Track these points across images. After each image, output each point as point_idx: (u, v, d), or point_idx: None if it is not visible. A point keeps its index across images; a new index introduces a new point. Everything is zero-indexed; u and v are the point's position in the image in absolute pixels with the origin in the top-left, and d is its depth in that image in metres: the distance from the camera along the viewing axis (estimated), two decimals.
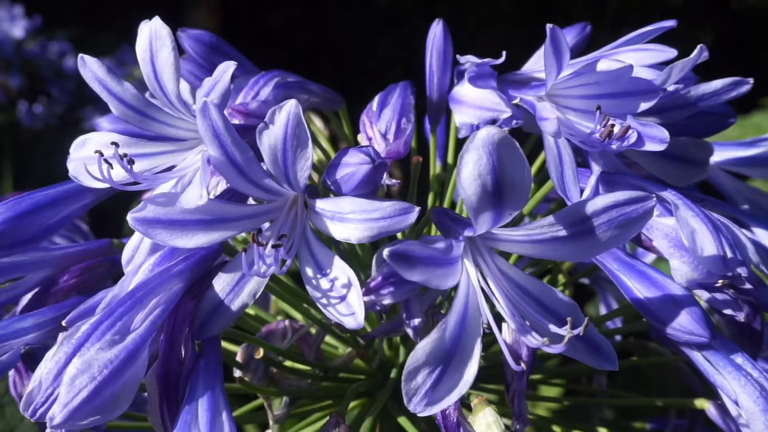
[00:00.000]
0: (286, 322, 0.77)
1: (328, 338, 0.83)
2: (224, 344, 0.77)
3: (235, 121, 0.70)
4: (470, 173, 0.47)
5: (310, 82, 0.79)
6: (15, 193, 0.69)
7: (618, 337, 0.89)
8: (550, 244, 0.52)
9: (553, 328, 0.52)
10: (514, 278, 0.56)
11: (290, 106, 0.53)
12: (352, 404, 0.80)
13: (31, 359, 0.56)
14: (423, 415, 0.51)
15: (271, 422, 0.72)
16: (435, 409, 0.51)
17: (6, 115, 2.22)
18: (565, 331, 0.51)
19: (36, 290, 0.67)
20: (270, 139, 0.54)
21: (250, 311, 0.87)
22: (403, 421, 0.74)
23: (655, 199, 0.50)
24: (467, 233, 0.53)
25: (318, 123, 0.90)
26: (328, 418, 0.78)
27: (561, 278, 0.82)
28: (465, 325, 0.52)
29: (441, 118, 0.77)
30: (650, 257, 0.78)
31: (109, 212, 0.88)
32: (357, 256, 0.77)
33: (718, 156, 0.75)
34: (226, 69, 0.56)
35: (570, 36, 0.78)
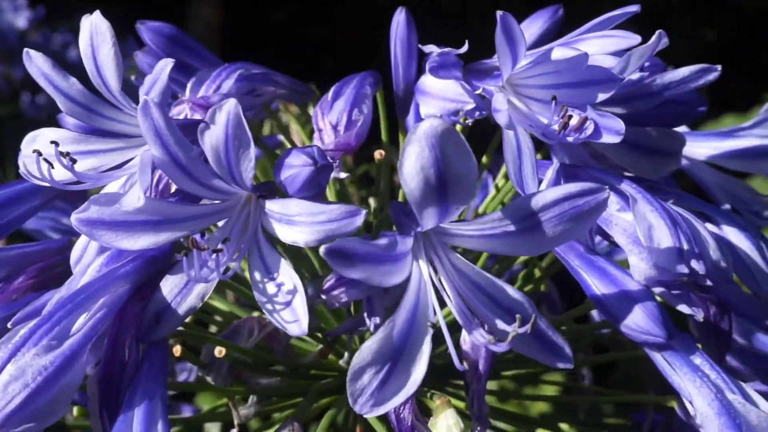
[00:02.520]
0: (254, 318, 0.76)
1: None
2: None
3: (197, 116, 0.69)
4: (412, 167, 0.46)
5: (277, 73, 0.77)
6: None
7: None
8: (501, 238, 0.50)
9: (501, 324, 0.51)
10: (468, 274, 0.54)
11: (230, 105, 0.52)
12: (323, 401, 0.79)
13: None
14: (369, 416, 0.50)
15: (236, 421, 0.71)
16: (381, 410, 0.50)
17: (9, 106, 2.23)
18: (512, 328, 0.50)
19: None
20: (211, 139, 0.53)
21: (222, 306, 0.86)
22: (371, 419, 0.73)
23: (608, 191, 0.48)
24: (418, 229, 0.52)
25: (294, 110, 0.89)
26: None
27: (537, 272, 0.80)
28: (414, 323, 0.51)
29: (408, 109, 0.75)
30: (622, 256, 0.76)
31: None
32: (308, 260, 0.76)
33: (699, 148, 0.73)
34: (165, 66, 0.54)
35: (541, 20, 0.76)
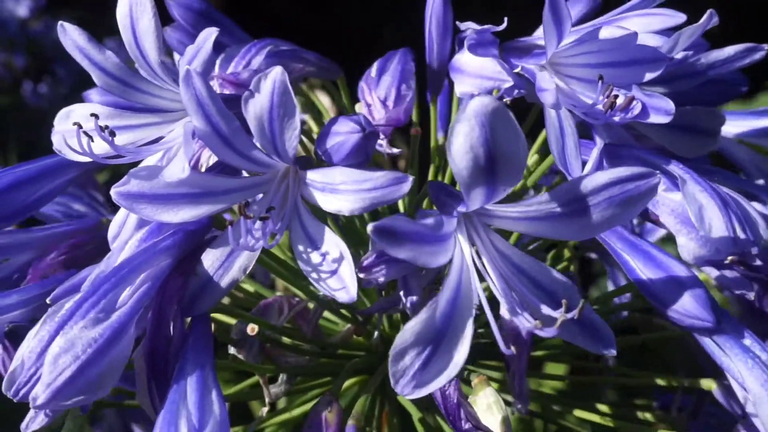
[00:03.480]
0: (283, 297, 0.75)
1: (327, 315, 0.82)
2: (220, 318, 0.75)
3: (226, 92, 0.68)
4: (461, 145, 0.45)
5: (306, 50, 0.76)
6: None
7: (624, 313, 0.87)
8: (547, 221, 0.50)
9: (546, 309, 0.50)
10: (510, 257, 0.53)
11: (276, 73, 0.51)
12: (351, 381, 0.78)
13: (16, 337, 0.55)
14: (411, 397, 0.49)
15: (267, 399, 0.71)
16: (423, 392, 0.49)
17: (11, 95, 2.21)
18: (559, 314, 0.49)
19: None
20: (256, 108, 0.52)
21: (250, 288, 0.85)
22: (402, 399, 0.73)
23: (659, 175, 0.48)
24: (461, 209, 0.51)
25: (324, 100, 0.88)
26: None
27: (566, 252, 0.80)
28: (457, 305, 0.50)
29: (442, 87, 0.75)
30: (659, 233, 0.76)
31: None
32: (356, 232, 0.75)
33: (732, 127, 0.72)
34: (208, 36, 0.53)
35: (579, 6, 0.75)
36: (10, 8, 2.33)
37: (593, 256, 0.95)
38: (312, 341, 0.73)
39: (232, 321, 0.69)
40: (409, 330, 0.49)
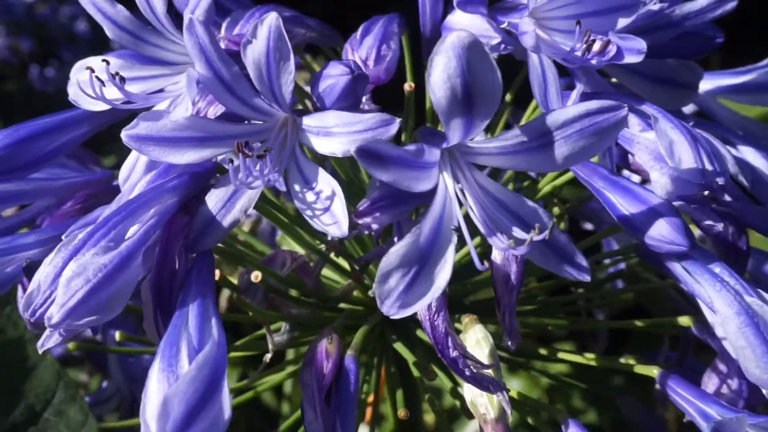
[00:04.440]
0: (286, 251, 0.79)
1: (329, 272, 0.85)
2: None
3: None
4: (439, 76, 0.48)
5: (307, 17, 0.80)
6: None
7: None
8: (522, 154, 0.53)
9: (517, 232, 0.53)
10: (490, 190, 0.57)
11: (271, 18, 0.55)
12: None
13: (32, 271, 0.59)
14: (396, 317, 0.53)
15: (270, 347, 0.75)
16: (408, 312, 0.52)
17: (18, 78, 2.24)
18: (529, 236, 0.52)
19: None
20: (254, 53, 0.56)
21: (257, 245, 0.89)
22: (399, 347, 0.76)
23: (626, 108, 0.51)
24: (444, 145, 0.55)
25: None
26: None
27: (556, 210, 0.83)
28: (439, 231, 0.53)
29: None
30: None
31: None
32: (354, 184, 0.79)
33: (710, 84, 0.75)
34: None
35: None
36: None
37: (589, 227, 0.98)
38: (314, 293, 0.76)
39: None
40: (393, 253, 0.52)
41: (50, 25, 2.33)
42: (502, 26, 0.68)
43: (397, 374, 0.81)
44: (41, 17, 2.36)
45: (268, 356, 0.75)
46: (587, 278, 0.55)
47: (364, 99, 0.69)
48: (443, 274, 0.53)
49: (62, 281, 0.51)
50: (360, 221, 0.61)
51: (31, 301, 0.53)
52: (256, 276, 0.69)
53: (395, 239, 0.67)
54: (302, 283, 0.77)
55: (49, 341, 0.54)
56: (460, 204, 0.55)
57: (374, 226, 0.61)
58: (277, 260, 0.78)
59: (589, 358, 0.71)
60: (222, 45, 0.72)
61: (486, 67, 0.48)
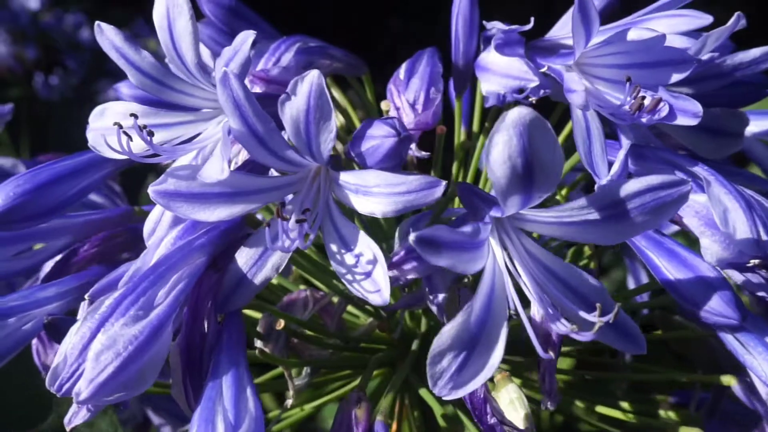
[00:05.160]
0: (308, 291, 0.76)
1: (349, 307, 0.83)
2: (244, 312, 0.76)
3: (256, 89, 0.69)
4: (500, 155, 0.46)
5: (332, 47, 0.77)
6: (54, 155, 0.66)
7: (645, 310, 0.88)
8: (580, 226, 0.51)
9: (581, 313, 0.51)
10: (541, 260, 0.54)
11: (312, 76, 0.52)
12: (376, 373, 0.80)
13: (53, 329, 0.56)
14: (449, 398, 0.51)
15: (291, 392, 0.72)
16: (460, 393, 0.51)
17: (22, 86, 2.22)
18: (594, 318, 0.50)
19: (57, 258, 0.67)
20: (292, 110, 0.53)
21: (273, 280, 0.87)
22: (424, 393, 0.74)
23: (690, 183, 0.48)
24: (494, 214, 0.52)
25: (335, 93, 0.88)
26: (347, 388, 0.78)
27: (587, 250, 0.81)
28: (491, 309, 0.51)
29: (467, 85, 0.75)
30: (672, 228, 0.77)
31: (124, 184, 0.88)
32: (380, 227, 0.76)
33: (754, 126, 0.73)
34: (246, 38, 0.54)
35: None
36: (22, 1, 2.34)
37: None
38: (335, 335, 0.74)
39: (258, 315, 0.71)
40: (446, 334, 0.50)
41: (55, 34, 2.30)
42: (542, 70, 0.65)
43: (420, 419, 0.79)
44: (46, 25, 2.34)
45: (289, 402, 0.73)
46: (644, 351, 0.53)
47: (413, 146, 0.66)
48: (496, 353, 0.51)
49: (91, 355, 0.49)
50: (391, 273, 0.58)
51: (58, 374, 0.50)
52: (279, 323, 0.67)
53: (426, 290, 0.64)
54: (323, 325, 0.75)
55: (77, 417, 0.51)
56: (511, 276, 0.53)
57: (409, 277, 0.59)
58: (299, 302, 0.76)
59: (626, 411, 0.69)
60: (246, 80, 0.69)
61: (549, 143, 0.46)
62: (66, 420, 0.52)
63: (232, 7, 0.75)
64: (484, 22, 0.69)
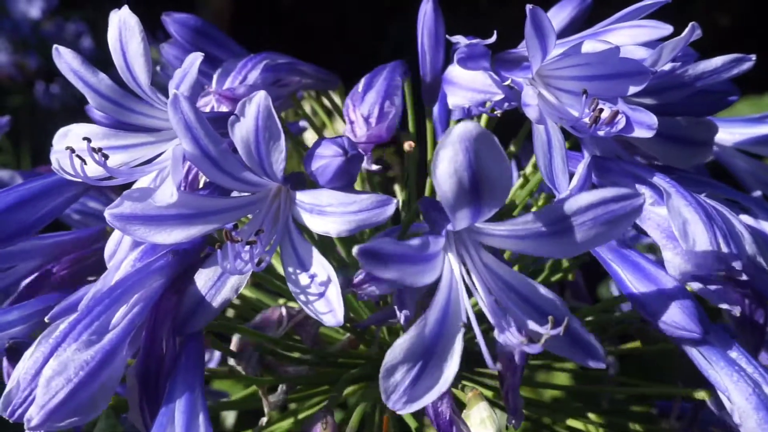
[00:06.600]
0: (282, 309, 0.76)
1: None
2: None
3: (223, 108, 0.69)
4: (446, 170, 0.45)
5: (302, 62, 0.77)
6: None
7: None
8: (533, 240, 0.50)
9: (533, 325, 0.51)
10: (500, 274, 0.54)
11: (259, 97, 0.52)
12: (350, 389, 0.79)
13: (15, 353, 0.56)
14: (402, 412, 0.50)
15: (266, 409, 0.72)
16: (414, 407, 0.50)
17: (23, 95, 2.24)
18: (545, 330, 0.50)
19: (29, 280, 0.67)
20: (242, 132, 0.53)
21: (251, 294, 0.86)
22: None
23: (643, 196, 0.47)
24: (449, 228, 0.52)
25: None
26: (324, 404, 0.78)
27: (564, 262, 0.80)
28: (446, 322, 0.51)
29: (436, 99, 0.75)
30: (645, 240, 0.76)
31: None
32: (353, 240, 0.76)
33: (729, 134, 0.72)
34: (194, 60, 0.54)
35: (568, 9, 0.75)
36: (23, 9, 2.37)
37: None
38: (312, 351, 0.74)
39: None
40: (398, 347, 0.49)
41: (56, 43, 2.32)
42: (506, 83, 0.65)
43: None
44: (47, 34, 2.35)
45: (264, 420, 0.73)
46: (602, 366, 0.52)
47: (365, 159, 0.66)
48: (451, 367, 0.50)
49: (42, 381, 0.49)
50: (357, 291, 0.58)
51: (10, 400, 0.50)
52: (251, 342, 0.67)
53: (395, 306, 0.64)
54: (298, 341, 0.74)
55: None
56: (468, 289, 0.52)
57: (374, 294, 0.59)
58: (273, 320, 0.75)
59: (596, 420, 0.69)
60: (213, 99, 0.69)
61: (495, 158, 0.45)
62: None
63: (199, 28, 0.75)
64: (448, 37, 0.68)
